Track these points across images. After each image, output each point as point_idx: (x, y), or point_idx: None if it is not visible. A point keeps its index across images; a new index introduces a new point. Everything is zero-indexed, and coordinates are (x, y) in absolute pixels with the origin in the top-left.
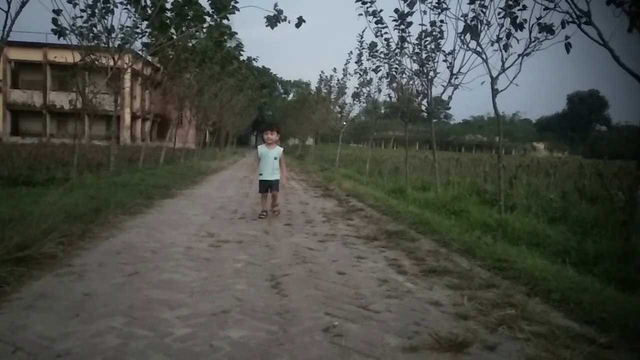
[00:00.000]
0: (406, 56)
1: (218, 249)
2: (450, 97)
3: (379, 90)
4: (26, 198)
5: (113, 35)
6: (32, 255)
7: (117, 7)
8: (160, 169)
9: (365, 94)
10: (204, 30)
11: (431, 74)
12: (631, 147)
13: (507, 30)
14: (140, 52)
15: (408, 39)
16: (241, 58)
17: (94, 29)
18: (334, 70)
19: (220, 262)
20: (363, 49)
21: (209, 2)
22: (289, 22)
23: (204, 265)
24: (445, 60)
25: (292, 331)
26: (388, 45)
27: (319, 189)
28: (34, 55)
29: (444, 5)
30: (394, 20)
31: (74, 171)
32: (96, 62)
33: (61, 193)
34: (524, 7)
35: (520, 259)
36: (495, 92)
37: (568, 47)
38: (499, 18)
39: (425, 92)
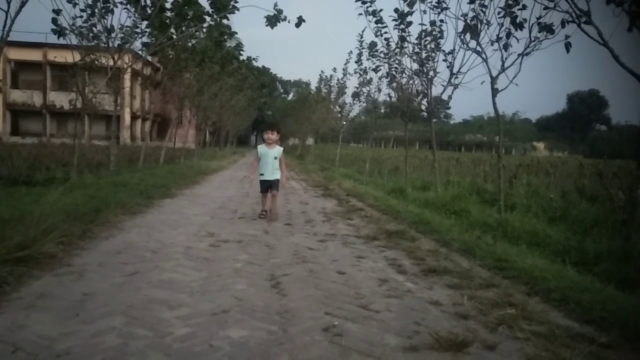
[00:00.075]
0: (406, 56)
1: (218, 249)
2: (450, 97)
3: (379, 90)
4: (26, 198)
5: (113, 35)
6: (32, 255)
7: (116, 6)
8: (160, 168)
9: (365, 94)
10: (204, 30)
11: (431, 73)
12: (631, 146)
13: (507, 30)
14: (140, 52)
15: (408, 38)
16: (241, 58)
17: (93, 28)
18: (334, 70)
19: (220, 262)
20: (363, 48)
21: (209, 1)
22: (288, 22)
23: (204, 265)
24: (445, 60)
25: (292, 331)
26: (388, 44)
27: (319, 189)
28: (34, 55)
29: (444, 5)
30: (393, 20)
31: (74, 171)
32: (96, 62)
33: (61, 193)
34: (524, 7)
35: (520, 259)
36: (495, 92)
37: (568, 46)
38: (499, 17)
39: (425, 91)
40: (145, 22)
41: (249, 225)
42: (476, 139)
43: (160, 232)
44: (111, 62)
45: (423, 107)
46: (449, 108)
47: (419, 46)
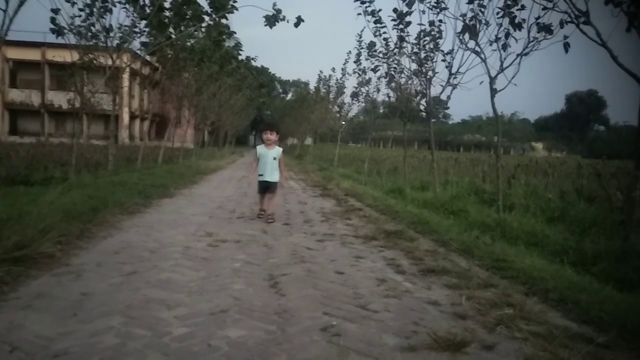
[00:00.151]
0: (405, 56)
1: (216, 249)
2: (448, 97)
3: (378, 90)
4: (24, 197)
5: (111, 34)
6: (30, 255)
7: (115, 6)
8: (159, 168)
9: (364, 94)
10: (203, 29)
11: (430, 73)
12: (629, 147)
13: (505, 30)
14: (138, 52)
15: (407, 38)
16: (240, 57)
17: (92, 28)
18: (333, 69)
19: (219, 262)
20: (362, 48)
21: (208, 1)
22: (287, 22)
23: (202, 264)
24: (443, 60)
25: (290, 331)
26: (387, 44)
27: (317, 189)
28: (32, 55)
29: (443, 5)
30: (392, 20)
31: (72, 170)
32: (94, 62)
33: (59, 192)
34: (523, 7)
35: (518, 259)
36: (493, 92)
37: (566, 46)
38: (498, 18)
39: (424, 91)
40: (144, 22)
41: (248, 225)
42: (475, 139)
43: (159, 231)
44: (110, 62)
45: (422, 107)
46: (447, 108)
47: (418, 46)
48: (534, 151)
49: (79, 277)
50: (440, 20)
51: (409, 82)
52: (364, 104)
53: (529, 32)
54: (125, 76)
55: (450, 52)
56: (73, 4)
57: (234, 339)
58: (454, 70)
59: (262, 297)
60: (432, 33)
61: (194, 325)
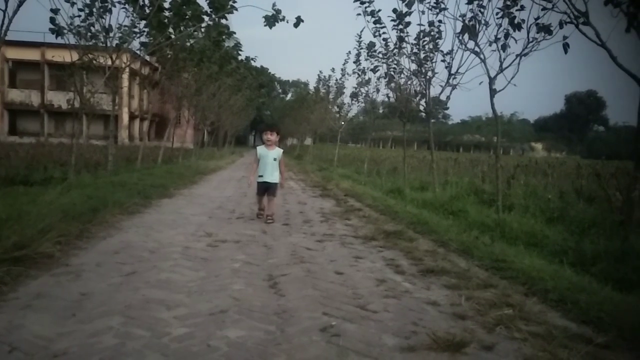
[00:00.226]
0: (404, 56)
1: (216, 249)
2: (448, 97)
3: (377, 90)
4: (23, 197)
5: (111, 34)
6: (29, 255)
7: (115, 6)
8: (158, 168)
9: (364, 94)
10: (202, 29)
11: (429, 74)
12: (629, 147)
13: (505, 31)
14: (138, 52)
15: (406, 39)
16: (239, 58)
17: (91, 28)
18: (332, 70)
19: (218, 262)
20: (361, 48)
21: (207, 1)
22: (287, 22)
23: (202, 265)
24: (443, 61)
25: (289, 331)
26: (386, 45)
27: (317, 189)
28: (32, 55)
29: (442, 6)
30: (392, 20)
31: (72, 171)
32: (94, 62)
33: (59, 192)
34: (522, 8)
35: (518, 259)
36: (493, 92)
37: (566, 47)
38: (497, 18)
39: (424, 92)
40: (143, 22)
41: (247, 225)
42: (474, 139)
43: (158, 232)
44: (109, 62)
45: (421, 108)
46: (447, 108)
47: (418, 46)
48: (533, 151)
49: (78, 277)
50: (440, 21)
51: (409, 82)
52: (363, 104)
53: (528, 32)
54: (125, 76)
55: (450, 52)
56: (72, 4)
57: (234, 339)
58: (453, 71)
59: (261, 298)
60: (432, 33)
61: (194, 325)
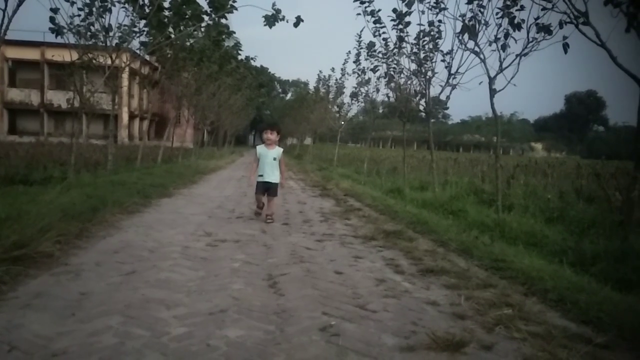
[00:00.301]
0: (404, 56)
1: (215, 248)
2: (448, 97)
3: (377, 90)
4: (23, 197)
5: (111, 34)
6: (28, 254)
7: (114, 5)
8: (158, 168)
9: (364, 94)
10: (202, 29)
11: (429, 73)
12: (628, 147)
13: (505, 31)
14: (138, 51)
15: (406, 38)
16: (239, 57)
17: (91, 27)
18: (332, 69)
19: (218, 262)
20: (361, 48)
21: (207, 1)
22: (287, 22)
23: (201, 264)
24: (443, 60)
25: (289, 331)
26: (386, 45)
27: (316, 189)
28: (32, 54)
29: (442, 5)
30: (392, 20)
31: (72, 170)
32: (94, 61)
33: (58, 192)
34: (522, 7)
35: (517, 259)
36: (493, 92)
37: (566, 47)
38: (497, 18)
39: (423, 92)
40: (143, 21)
41: (247, 225)
42: (474, 139)
43: (158, 231)
44: (109, 61)
45: (421, 108)
46: (447, 108)
47: (417, 46)
48: (533, 151)
49: (77, 276)
50: (440, 21)
51: (409, 82)
52: (363, 104)
53: (528, 32)
54: (125, 76)
55: (450, 52)
56: (72, 3)
57: (233, 338)
58: (453, 71)
59: (261, 297)
60: (432, 33)
61: (193, 325)
